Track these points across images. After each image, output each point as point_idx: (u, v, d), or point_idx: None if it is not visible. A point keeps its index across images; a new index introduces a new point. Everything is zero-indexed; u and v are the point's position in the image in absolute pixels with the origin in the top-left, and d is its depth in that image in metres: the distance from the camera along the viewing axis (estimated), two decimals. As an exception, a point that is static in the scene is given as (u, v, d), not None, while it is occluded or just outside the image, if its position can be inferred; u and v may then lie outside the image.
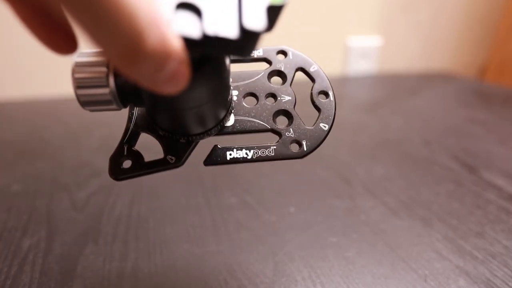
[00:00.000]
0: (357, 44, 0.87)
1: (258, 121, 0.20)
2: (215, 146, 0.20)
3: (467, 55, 1.03)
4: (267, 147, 0.20)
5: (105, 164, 0.19)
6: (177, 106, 0.16)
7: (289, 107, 0.20)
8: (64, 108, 0.64)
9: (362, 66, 0.90)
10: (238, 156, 0.20)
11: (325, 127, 0.20)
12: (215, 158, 0.19)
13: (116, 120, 0.57)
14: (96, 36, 0.10)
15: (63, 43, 0.16)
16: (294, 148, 0.20)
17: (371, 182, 0.38)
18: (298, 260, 0.27)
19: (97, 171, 0.40)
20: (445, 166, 0.42)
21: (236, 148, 0.20)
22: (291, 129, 0.20)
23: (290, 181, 0.38)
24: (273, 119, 0.20)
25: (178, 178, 0.39)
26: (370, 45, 0.89)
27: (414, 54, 0.97)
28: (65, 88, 0.73)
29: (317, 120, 0.20)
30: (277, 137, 0.20)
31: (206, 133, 0.19)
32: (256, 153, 0.20)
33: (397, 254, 0.27)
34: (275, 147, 0.20)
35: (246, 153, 0.20)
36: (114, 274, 0.25)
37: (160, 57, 0.10)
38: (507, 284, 0.25)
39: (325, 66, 0.21)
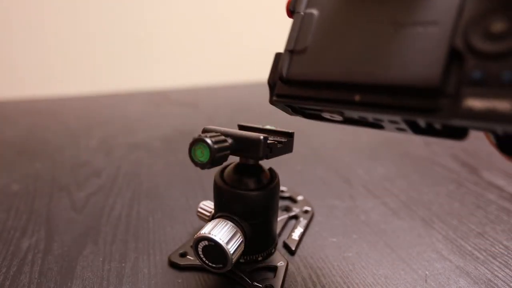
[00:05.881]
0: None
1: None
2: None
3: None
4: None
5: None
6: None
7: None
8: (64, 108, 0.64)
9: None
10: None
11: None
12: None
13: (115, 120, 0.57)
14: None
15: None
16: None
17: (371, 182, 0.38)
18: (298, 260, 0.27)
19: (96, 171, 0.40)
20: (446, 166, 0.42)
21: None
22: None
23: (291, 181, 0.38)
24: None
25: (178, 178, 0.39)
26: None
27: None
28: (65, 88, 0.73)
29: None
30: None
31: None
32: None
33: (397, 255, 0.27)
34: None
35: None
36: (113, 274, 0.25)
37: None
38: (508, 285, 0.24)
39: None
